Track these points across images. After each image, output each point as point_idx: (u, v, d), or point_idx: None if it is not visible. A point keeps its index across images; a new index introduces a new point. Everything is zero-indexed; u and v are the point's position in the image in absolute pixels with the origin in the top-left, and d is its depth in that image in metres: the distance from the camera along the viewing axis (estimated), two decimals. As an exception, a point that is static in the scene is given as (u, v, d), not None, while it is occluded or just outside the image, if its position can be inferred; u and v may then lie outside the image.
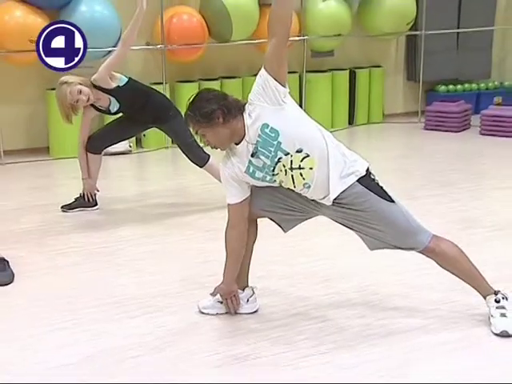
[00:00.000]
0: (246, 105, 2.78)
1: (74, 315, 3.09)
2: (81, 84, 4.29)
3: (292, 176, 2.78)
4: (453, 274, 2.92)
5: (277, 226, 2.99)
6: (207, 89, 2.94)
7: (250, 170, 2.81)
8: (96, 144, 4.66)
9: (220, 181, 4.62)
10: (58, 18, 6.00)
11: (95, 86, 4.34)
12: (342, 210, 2.82)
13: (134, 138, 6.20)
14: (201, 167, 4.67)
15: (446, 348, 2.73)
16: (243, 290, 3.05)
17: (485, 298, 2.90)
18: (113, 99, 4.42)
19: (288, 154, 2.75)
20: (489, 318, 2.86)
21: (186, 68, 6.92)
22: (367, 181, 2.80)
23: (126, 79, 4.43)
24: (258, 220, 2.99)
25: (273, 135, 2.73)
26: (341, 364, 2.62)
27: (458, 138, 7.02)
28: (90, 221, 4.55)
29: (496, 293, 2.89)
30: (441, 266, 2.91)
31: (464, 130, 7.31)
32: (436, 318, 2.97)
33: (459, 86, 7.92)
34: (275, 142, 2.74)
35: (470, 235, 4.03)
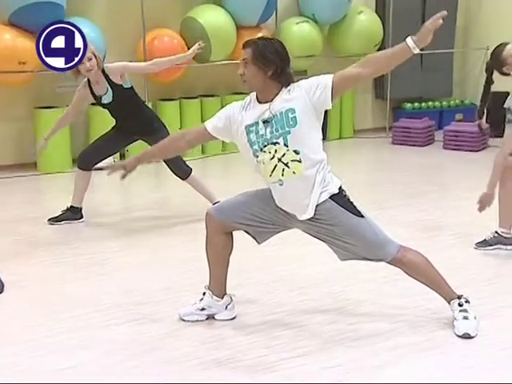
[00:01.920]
0: (293, 84, 2.76)
1: (60, 323, 3.06)
2: (94, 57, 4.29)
3: (276, 166, 2.75)
4: (419, 281, 2.95)
5: (251, 237, 2.99)
6: (283, 44, 2.82)
7: (250, 129, 2.78)
8: (87, 160, 4.64)
9: (201, 193, 4.69)
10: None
11: (103, 71, 4.34)
12: (314, 224, 2.83)
13: (117, 154, 6.17)
14: (183, 180, 4.67)
15: (413, 349, 2.75)
16: (222, 297, 3.05)
17: (449, 302, 2.93)
18: (110, 91, 4.39)
19: (287, 146, 2.73)
20: (453, 321, 2.89)
21: (167, 87, 6.93)
22: (339, 197, 2.81)
23: (130, 85, 4.44)
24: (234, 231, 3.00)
25: (291, 122, 2.71)
26: (316, 366, 2.63)
27: (422, 152, 7.10)
28: (75, 233, 4.52)
29: (459, 297, 2.92)
30: (408, 274, 2.94)
31: (428, 144, 7.40)
32: (404, 321, 2.99)
33: (423, 104, 8.02)
34: (287, 129, 2.71)
35: (435, 243, 4.07)
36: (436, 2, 7.79)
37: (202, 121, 6.97)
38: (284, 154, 2.73)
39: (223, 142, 6.98)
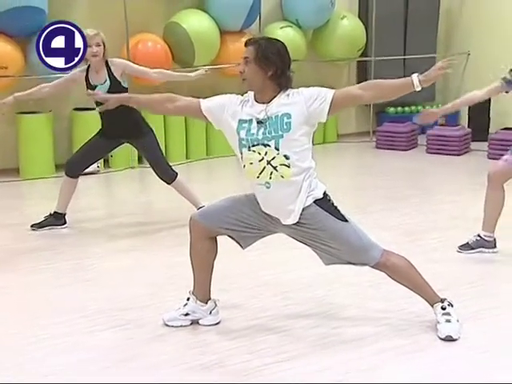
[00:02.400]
0: (292, 89, 2.78)
1: (44, 330, 3.05)
2: (102, 44, 4.35)
3: (264, 168, 2.77)
4: (403, 285, 2.98)
5: (235, 242, 3.00)
6: (285, 46, 2.82)
7: (242, 125, 2.79)
8: (75, 167, 4.63)
9: (186, 198, 4.69)
10: (28, 46, 5.97)
11: (106, 63, 4.39)
12: (299, 228, 2.85)
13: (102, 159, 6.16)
14: (169, 184, 4.68)
15: (397, 352, 2.78)
16: (206, 302, 3.05)
17: (432, 306, 2.96)
18: (107, 83, 4.40)
19: (278, 149, 2.74)
20: (436, 324, 2.93)
21: (151, 91, 6.88)
22: (323, 202, 2.83)
23: (127, 86, 4.49)
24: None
25: (285, 127, 2.73)
26: (300, 371, 2.65)
27: (406, 156, 7.16)
28: (59, 238, 4.50)
29: (442, 300, 2.96)
30: (392, 278, 2.97)
31: (412, 148, 7.46)
32: (387, 325, 3.02)
33: (407, 108, 8.09)
34: (280, 133, 2.73)
35: (418, 246, 4.11)
36: (418, 7, 7.88)
37: (186, 125, 7.03)
38: (274, 158, 2.75)
39: (207, 146, 7.12)
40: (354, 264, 2.93)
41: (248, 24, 6.98)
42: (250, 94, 2.85)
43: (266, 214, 2.88)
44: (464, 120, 7.85)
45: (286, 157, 2.75)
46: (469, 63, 7.61)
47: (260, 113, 2.77)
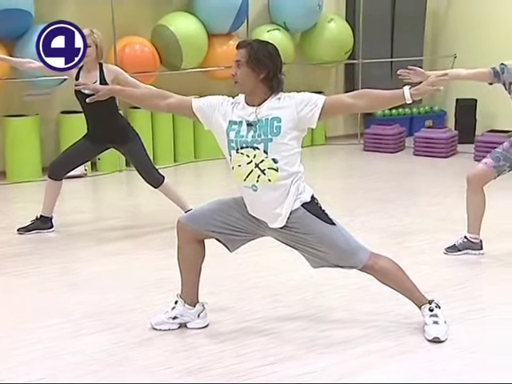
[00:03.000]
0: (284, 93, 2.78)
1: (31, 334, 3.04)
2: (94, 46, 4.39)
3: (252, 170, 2.77)
4: (390, 287, 2.99)
5: (223, 245, 3.00)
6: (277, 49, 2.84)
7: (232, 126, 2.79)
8: (58, 170, 4.60)
9: (173, 201, 4.68)
10: (14, 49, 5.94)
11: (100, 65, 4.40)
12: (286, 232, 2.85)
13: (89, 162, 6.14)
14: (155, 188, 4.66)
15: (385, 354, 2.79)
16: (194, 306, 3.05)
17: (420, 307, 2.97)
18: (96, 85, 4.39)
19: (266, 153, 2.74)
20: (423, 325, 2.94)
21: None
22: (311, 206, 2.84)
23: None
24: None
25: (275, 131, 2.73)
26: (288, 374, 2.65)
27: (393, 159, 7.19)
28: (46, 242, 4.48)
29: (430, 302, 2.97)
30: (379, 280, 2.98)
31: (399, 151, 7.49)
32: (375, 327, 3.03)
33: (394, 111, 8.12)
34: (270, 137, 2.73)
35: (405, 248, 4.13)
36: (405, 10, 7.92)
37: (174, 129, 7.02)
38: (262, 161, 2.75)
39: (195, 149, 7.11)
40: (341, 267, 2.93)
41: (236, 27, 6.98)
42: (241, 96, 2.85)
43: (253, 217, 2.88)
44: (451, 122, 7.90)
45: (275, 160, 2.75)
46: (455, 66, 7.64)
47: (250, 115, 2.78)
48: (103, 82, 4.40)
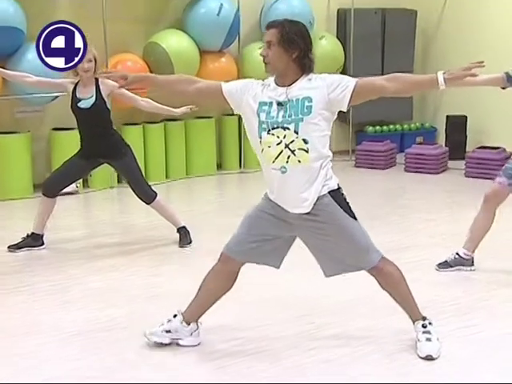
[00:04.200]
0: (314, 74, 2.76)
1: (22, 351, 3.01)
2: (94, 61, 4.40)
3: (281, 151, 2.73)
4: (391, 295, 2.97)
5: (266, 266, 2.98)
6: (306, 28, 2.82)
7: (262, 107, 2.76)
8: (52, 187, 4.59)
9: (166, 218, 4.67)
10: (6, 67, 5.94)
11: (96, 80, 4.40)
12: (310, 220, 2.79)
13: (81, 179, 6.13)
14: (148, 204, 4.65)
15: (377, 370, 2.78)
16: (189, 324, 3.03)
17: (414, 322, 2.97)
18: (92, 99, 4.42)
19: (297, 133, 2.71)
20: (416, 342, 2.94)
21: (131, 112, 6.90)
22: (337, 194, 2.82)
23: (110, 109, 4.53)
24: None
25: (305, 110, 2.71)
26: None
27: (385, 175, 7.22)
28: (37, 259, 4.46)
29: (424, 318, 2.98)
30: (382, 286, 2.96)
31: (390, 167, 7.53)
32: (367, 344, 3.03)
33: (385, 127, 8.17)
34: (300, 116, 2.71)
35: (397, 265, 4.11)
36: (395, 27, 8.00)
37: (166, 145, 7.02)
38: (292, 141, 2.72)
39: (187, 165, 7.12)
40: (351, 268, 2.90)
41: (227, 44, 7.03)
42: (271, 78, 2.83)
43: (279, 213, 2.83)
44: (441, 139, 7.95)
45: (305, 141, 2.72)
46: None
47: (281, 95, 2.75)
48: (99, 96, 4.42)
